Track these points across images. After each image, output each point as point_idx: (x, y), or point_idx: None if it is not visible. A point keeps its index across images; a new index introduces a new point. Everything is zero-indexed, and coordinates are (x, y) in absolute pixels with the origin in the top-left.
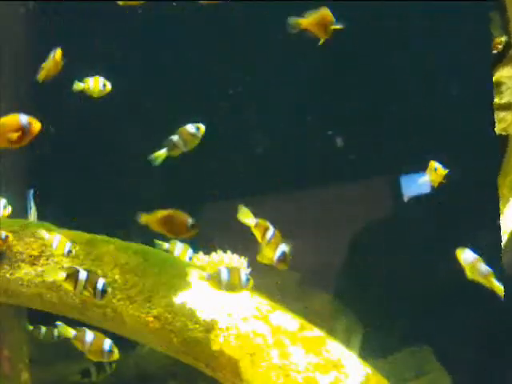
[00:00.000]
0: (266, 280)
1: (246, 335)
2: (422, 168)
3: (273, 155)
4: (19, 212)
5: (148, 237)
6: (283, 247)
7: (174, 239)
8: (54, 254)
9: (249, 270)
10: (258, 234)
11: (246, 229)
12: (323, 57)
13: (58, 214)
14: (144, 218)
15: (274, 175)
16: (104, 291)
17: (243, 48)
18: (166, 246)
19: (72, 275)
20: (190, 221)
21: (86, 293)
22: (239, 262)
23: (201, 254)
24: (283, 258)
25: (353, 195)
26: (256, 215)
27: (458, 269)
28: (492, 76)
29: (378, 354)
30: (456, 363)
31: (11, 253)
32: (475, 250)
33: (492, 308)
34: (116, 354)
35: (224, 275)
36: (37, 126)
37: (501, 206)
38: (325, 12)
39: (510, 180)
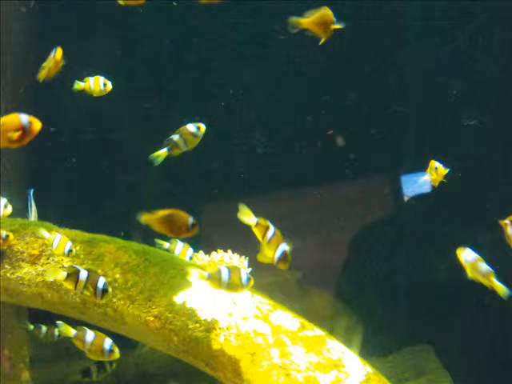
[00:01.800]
0: (266, 279)
1: (246, 335)
2: (423, 167)
3: (273, 155)
4: (20, 211)
5: (149, 236)
6: (284, 247)
7: (175, 239)
8: (54, 254)
9: (249, 269)
10: (258, 233)
11: (246, 228)
12: (323, 56)
13: (58, 214)
14: (144, 218)
15: (275, 175)
16: (105, 290)
17: (244, 47)
18: (166, 245)
19: (72, 275)
20: (190, 220)
21: (86, 292)
22: (240, 262)
23: (201, 253)
24: (284, 257)
25: (353, 195)
26: (256, 214)
27: (459, 268)
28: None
29: (379, 353)
30: (456, 363)
31: (12, 252)
32: (476, 250)
33: (492, 308)
34: (116, 354)
35: (224, 274)
36: (37, 125)
37: None
38: (325, 12)
39: None
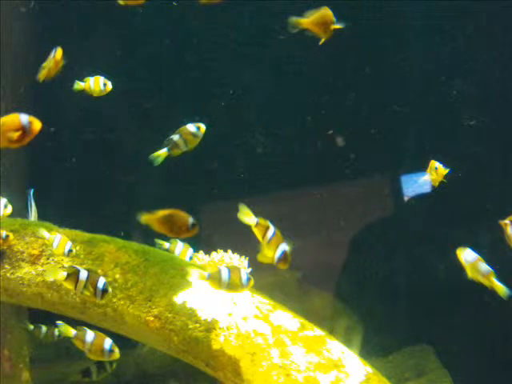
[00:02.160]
0: (266, 279)
1: (246, 335)
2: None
3: (273, 155)
4: (20, 211)
5: (149, 236)
6: (284, 247)
7: (175, 239)
8: (54, 254)
9: (249, 269)
10: (258, 233)
11: (246, 228)
12: (323, 56)
13: (58, 214)
14: (144, 218)
15: (275, 175)
16: (105, 291)
17: (244, 47)
18: (166, 245)
19: (73, 275)
20: (190, 220)
21: (86, 292)
22: (240, 262)
23: (201, 253)
24: (284, 257)
25: (353, 195)
26: (256, 214)
27: (459, 268)
28: None
29: (379, 353)
30: (456, 363)
31: (12, 252)
32: (476, 250)
33: (492, 308)
34: (116, 354)
35: (224, 274)
36: (37, 125)
37: None
38: (325, 12)
39: None
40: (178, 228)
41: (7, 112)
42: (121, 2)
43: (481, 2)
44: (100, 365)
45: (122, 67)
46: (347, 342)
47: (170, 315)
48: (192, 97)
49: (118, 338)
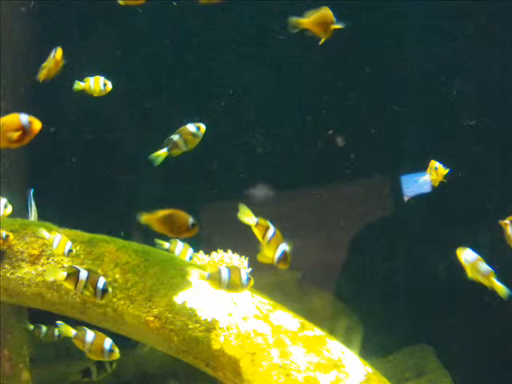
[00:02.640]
0: (266, 279)
1: (246, 335)
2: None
3: (273, 155)
4: (20, 211)
5: (149, 236)
6: (284, 247)
7: (175, 239)
8: (54, 254)
9: (249, 269)
10: (258, 233)
11: (246, 228)
12: (323, 56)
13: (58, 214)
14: (144, 218)
15: (275, 175)
16: (105, 290)
17: (244, 47)
18: (166, 245)
19: (73, 275)
20: (190, 220)
21: (86, 292)
22: (240, 262)
23: (201, 253)
24: (284, 257)
25: (353, 195)
26: (256, 214)
27: (459, 268)
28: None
29: (379, 353)
30: (456, 363)
31: (12, 252)
32: (476, 250)
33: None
34: (116, 354)
35: (224, 274)
36: (37, 125)
37: None
38: (325, 12)
39: None
40: (177, 228)
41: (7, 112)
42: (121, 2)
43: (481, 2)
44: (100, 365)
45: (122, 67)
46: (347, 341)
47: (169, 315)
48: (192, 97)
49: (118, 338)
